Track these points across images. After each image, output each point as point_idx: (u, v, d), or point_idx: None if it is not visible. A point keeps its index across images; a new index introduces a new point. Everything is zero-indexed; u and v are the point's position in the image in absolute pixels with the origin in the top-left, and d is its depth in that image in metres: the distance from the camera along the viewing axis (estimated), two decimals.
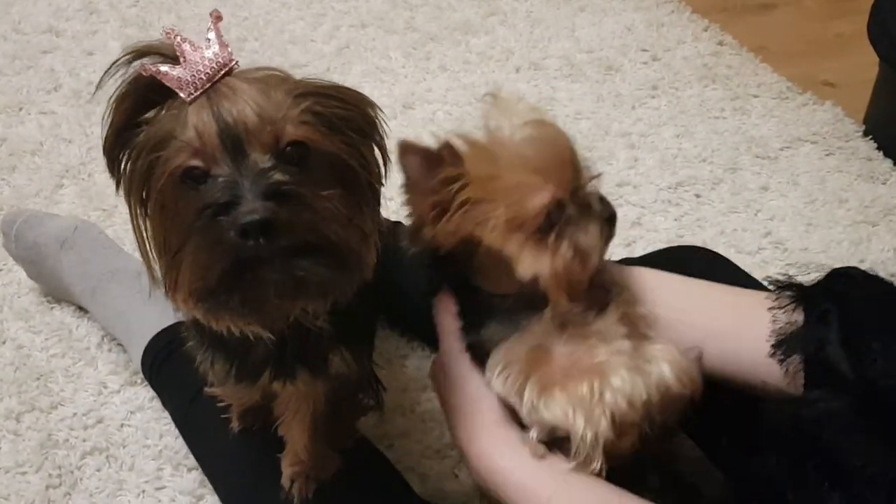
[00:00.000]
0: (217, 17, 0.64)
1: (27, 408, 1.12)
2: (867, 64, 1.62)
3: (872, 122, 1.67)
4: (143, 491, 1.04)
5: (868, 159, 1.61)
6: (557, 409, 0.70)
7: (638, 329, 0.77)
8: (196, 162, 0.61)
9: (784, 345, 0.74)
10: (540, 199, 0.70)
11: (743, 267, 1.07)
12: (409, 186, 0.74)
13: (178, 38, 0.62)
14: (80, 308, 1.24)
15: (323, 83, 0.67)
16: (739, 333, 0.78)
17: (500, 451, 0.74)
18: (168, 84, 0.61)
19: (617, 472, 0.73)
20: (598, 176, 0.76)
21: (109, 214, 1.39)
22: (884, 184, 1.55)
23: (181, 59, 0.61)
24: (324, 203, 0.62)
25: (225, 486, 0.99)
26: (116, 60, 0.63)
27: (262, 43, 1.85)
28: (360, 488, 0.91)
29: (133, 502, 1.03)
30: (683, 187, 1.53)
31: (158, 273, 0.66)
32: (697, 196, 1.51)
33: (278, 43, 1.85)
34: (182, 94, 0.61)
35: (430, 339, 1.18)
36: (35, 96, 1.67)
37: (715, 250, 1.13)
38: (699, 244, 1.33)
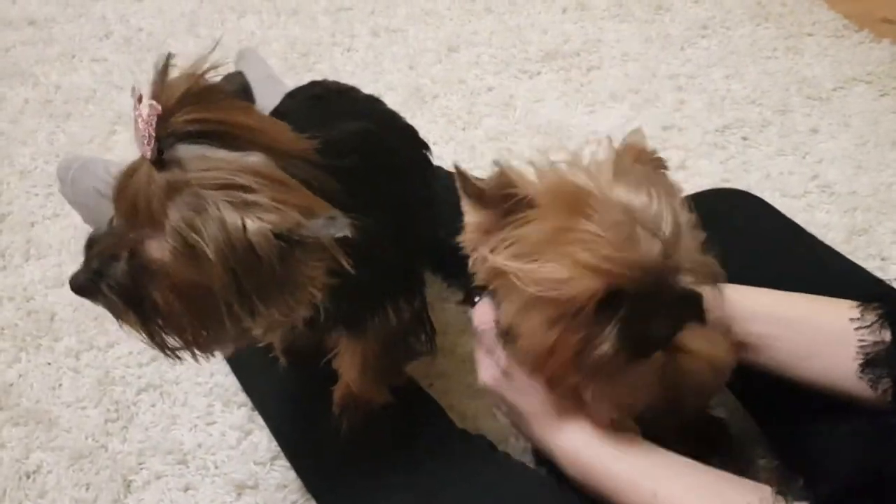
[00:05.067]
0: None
1: (86, 346, 1.17)
2: None
3: None
4: (195, 426, 1.09)
5: None
6: None
7: None
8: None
9: (873, 365, 0.73)
10: (587, 287, 0.64)
11: (787, 211, 1.05)
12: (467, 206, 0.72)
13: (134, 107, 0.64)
14: None
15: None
16: (824, 352, 0.77)
17: (592, 444, 0.73)
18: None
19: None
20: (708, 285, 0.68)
21: None
22: None
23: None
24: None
25: (275, 417, 1.03)
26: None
27: None
28: (406, 419, 0.94)
29: (186, 436, 1.08)
30: (731, 130, 1.50)
31: None
32: (745, 139, 1.49)
33: None
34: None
35: (469, 284, 1.21)
36: (87, 44, 1.70)
37: (760, 194, 1.12)
38: (744, 188, 1.32)
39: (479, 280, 0.73)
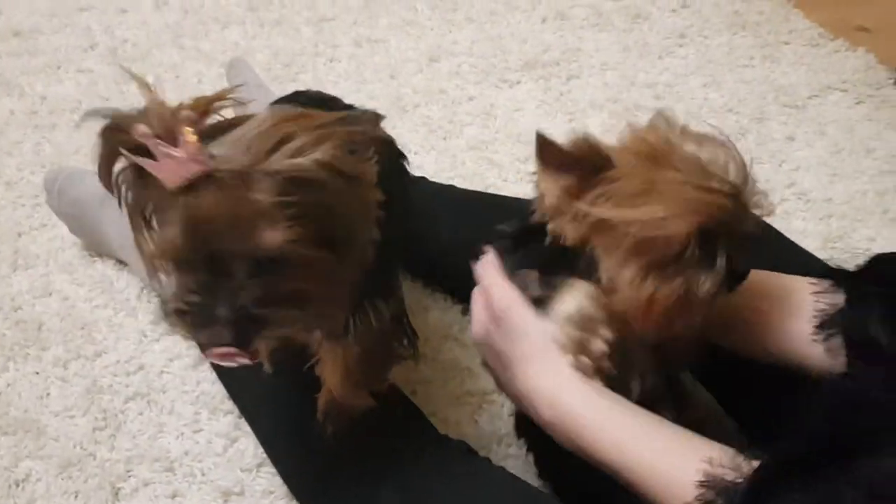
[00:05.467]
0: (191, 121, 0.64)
1: (73, 355, 1.19)
2: None
3: None
4: (182, 433, 1.10)
5: None
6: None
7: None
8: (175, 256, 0.66)
9: (826, 326, 0.77)
10: (682, 227, 0.71)
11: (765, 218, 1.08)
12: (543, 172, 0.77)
13: (149, 139, 0.62)
14: (120, 261, 1.29)
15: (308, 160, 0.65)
16: (783, 317, 0.81)
17: (572, 389, 0.76)
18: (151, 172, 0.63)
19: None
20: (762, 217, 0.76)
21: None
22: None
23: (157, 157, 0.62)
24: (290, 312, 0.69)
25: (261, 423, 1.05)
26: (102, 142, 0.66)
27: None
28: (389, 425, 0.96)
29: (173, 443, 1.10)
30: None
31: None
32: None
33: None
34: (165, 185, 0.63)
35: (452, 289, 1.23)
36: (72, 55, 1.71)
37: None
38: None
39: (569, 241, 0.77)
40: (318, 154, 0.64)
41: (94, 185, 1.27)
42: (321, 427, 0.94)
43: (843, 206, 1.41)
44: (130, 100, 1.57)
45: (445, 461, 0.92)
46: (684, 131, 0.77)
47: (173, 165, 0.62)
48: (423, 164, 1.45)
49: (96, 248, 1.31)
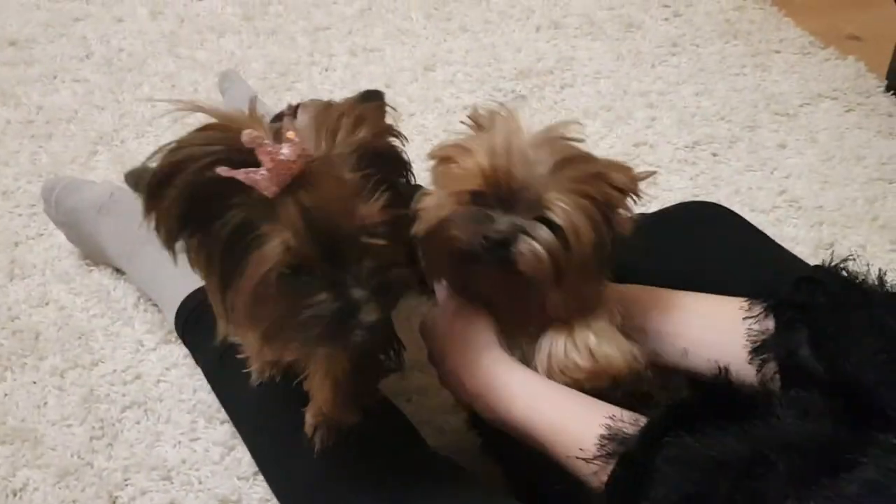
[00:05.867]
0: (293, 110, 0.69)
1: (70, 365, 1.19)
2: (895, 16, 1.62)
3: (895, 76, 1.67)
4: (179, 442, 1.11)
5: (889, 115, 1.62)
6: None
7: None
8: (293, 260, 0.66)
9: (759, 352, 0.79)
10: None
11: (756, 225, 1.09)
12: None
13: (259, 143, 0.64)
14: (117, 270, 1.30)
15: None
16: (721, 343, 0.83)
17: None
18: (248, 184, 0.63)
19: None
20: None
21: None
22: None
23: (264, 162, 0.63)
24: (402, 271, 0.73)
25: (251, 436, 1.05)
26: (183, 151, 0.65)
27: (286, 6, 1.88)
28: (378, 438, 0.97)
29: (170, 452, 1.10)
30: (700, 146, 1.54)
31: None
32: (714, 155, 1.53)
33: (301, 6, 1.88)
34: (265, 193, 0.64)
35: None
36: (68, 64, 1.72)
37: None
38: None
39: None
40: (365, 131, 0.70)
41: (91, 195, 1.29)
42: (309, 442, 0.95)
43: (834, 213, 1.42)
44: (126, 109, 1.59)
45: (431, 479, 0.92)
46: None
47: (278, 167, 0.63)
48: (419, 172, 1.45)
49: (94, 257, 1.32)
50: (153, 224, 0.68)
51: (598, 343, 0.82)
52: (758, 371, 0.79)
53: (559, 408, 0.79)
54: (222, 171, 0.64)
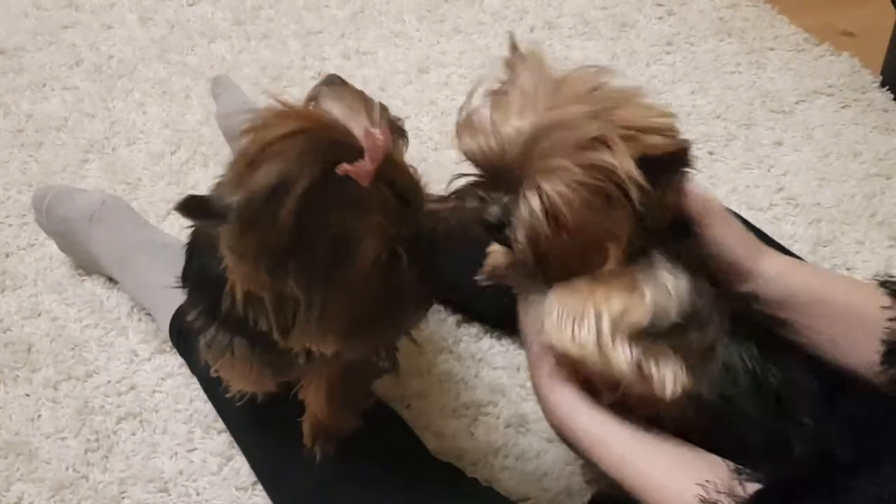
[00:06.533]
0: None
1: (64, 376, 1.18)
2: (890, 11, 1.60)
3: (890, 72, 1.67)
4: (176, 453, 1.10)
5: (884, 111, 1.61)
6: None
7: None
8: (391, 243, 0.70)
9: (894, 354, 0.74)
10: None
11: (754, 223, 1.08)
12: None
13: (371, 136, 0.66)
14: (110, 279, 1.28)
15: None
16: (852, 338, 0.78)
17: (575, 408, 0.77)
18: (354, 176, 0.65)
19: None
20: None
21: (134, 188, 1.43)
22: None
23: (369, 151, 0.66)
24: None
25: (250, 447, 1.04)
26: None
27: (277, 10, 1.86)
28: (377, 444, 0.96)
29: (167, 463, 1.09)
30: (696, 145, 1.52)
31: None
32: (711, 153, 1.52)
33: (293, 10, 1.86)
34: (363, 183, 0.66)
35: (445, 300, 1.23)
36: (58, 72, 1.70)
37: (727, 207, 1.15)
38: None
39: None
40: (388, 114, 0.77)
41: (83, 203, 1.27)
42: (309, 452, 0.94)
43: (832, 209, 1.41)
44: (116, 116, 1.58)
45: (431, 484, 0.91)
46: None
47: (374, 154, 0.66)
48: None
49: (85, 266, 1.30)
50: (239, 257, 0.66)
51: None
52: (884, 372, 0.73)
53: (651, 462, 0.73)
54: (342, 169, 0.64)
